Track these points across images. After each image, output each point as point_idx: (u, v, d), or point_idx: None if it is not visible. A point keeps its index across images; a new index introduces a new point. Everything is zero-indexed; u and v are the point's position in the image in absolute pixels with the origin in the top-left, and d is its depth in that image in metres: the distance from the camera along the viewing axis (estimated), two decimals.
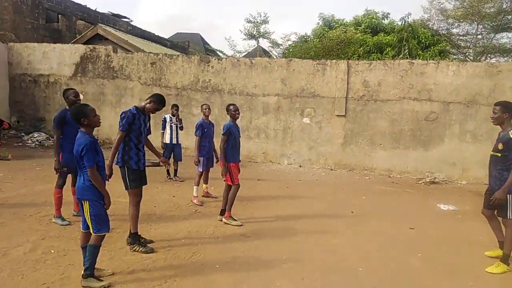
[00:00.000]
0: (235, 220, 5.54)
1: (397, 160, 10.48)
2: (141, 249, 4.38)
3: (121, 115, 4.43)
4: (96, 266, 3.65)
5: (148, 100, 4.60)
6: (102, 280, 3.56)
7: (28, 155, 10.25)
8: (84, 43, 14.80)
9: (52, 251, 4.28)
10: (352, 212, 6.57)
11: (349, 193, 8.09)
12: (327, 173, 10.37)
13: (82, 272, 3.54)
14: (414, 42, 15.43)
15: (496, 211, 4.57)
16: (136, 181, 4.47)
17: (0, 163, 8.85)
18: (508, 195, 4.33)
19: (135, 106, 4.60)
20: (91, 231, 3.54)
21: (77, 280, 3.61)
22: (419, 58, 13.39)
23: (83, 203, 3.52)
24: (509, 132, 4.35)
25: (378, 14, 19.11)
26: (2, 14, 17.19)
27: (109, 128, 11.99)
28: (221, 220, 5.62)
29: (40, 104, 13.35)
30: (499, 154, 4.44)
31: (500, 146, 4.42)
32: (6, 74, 13.41)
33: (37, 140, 12.17)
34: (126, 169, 4.42)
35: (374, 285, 3.91)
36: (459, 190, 8.94)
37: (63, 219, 5.16)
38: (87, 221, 3.54)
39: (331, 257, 4.56)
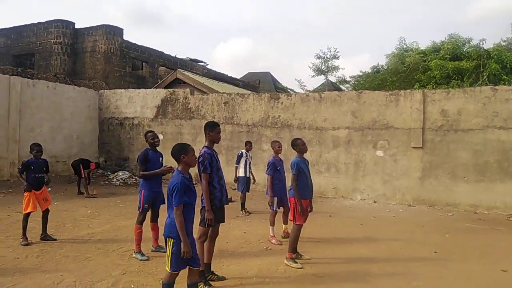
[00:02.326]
0: (296, 262, 5.34)
1: (483, 194, 9.58)
2: (206, 287, 4.38)
3: (199, 159, 4.47)
4: None
5: (206, 134, 4.65)
6: None
7: (112, 192, 11.13)
8: (165, 87, 16.09)
9: (132, 286, 4.50)
10: (435, 252, 6.07)
11: (430, 231, 7.52)
12: (404, 209, 9.79)
13: None
14: (496, 67, 14.35)
15: None
16: (216, 218, 4.53)
17: (88, 201, 9.72)
18: None
19: (205, 146, 4.67)
20: (167, 268, 3.59)
21: None
22: (503, 83, 12.40)
23: (168, 240, 3.59)
24: None
25: (460, 39, 17.53)
26: (95, 65, 19.45)
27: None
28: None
29: (125, 144, 14.62)
30: None
31: None
32: (96, 118, 14.99)
33: (121, 178, 13.21)
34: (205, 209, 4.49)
35: None
36: None
37: (142, 254, 5.46)
38: (167, 258, 3.59)
39: None
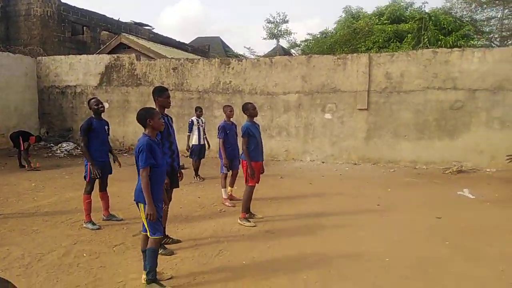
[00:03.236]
0: (249, 221, 5.52)
1: (423, 151, 10.28)
2: (161, 251, 4.39)
3: None
4: (161, 270, 3.79)
5: (155, 99, 4.53)
6: (164, 286, 3.56)
7: (57, 164, 10.65)
8: (109, 53, 15.26)
9: (84, 254, 4.43)
10: (378, 205, 6.51)
11: (374, 186, 8.01)
12: (350, 168, 10.29)
13: (144, 276, 3.60)
14: (433, 29, 15.05)
15: None
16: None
17: (32, 174, 9.25)
18: None
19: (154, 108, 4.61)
20: (148, 234, 3.56)
21: (109, 282, 3.73)
22: (441, 44, 13.05)
23: (139, 205, 3.55)
24: None
25: (401, 4, 18.78)
26: (31, 30, 17.97)
27: (133, 134, 12.34)
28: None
29: (67, 114, 13.87)
30: None
31: None
32: (35, 87, 14.01)
33: (65, 150, 12.63)
34: None
35: (401, 274, 3.89)
36: (488, 178, 8.70)
37: (93, 224, 5.35)
38: (144, 224, 3.56)
39: (357, 249, 4.55)
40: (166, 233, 4.70)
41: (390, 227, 5.40)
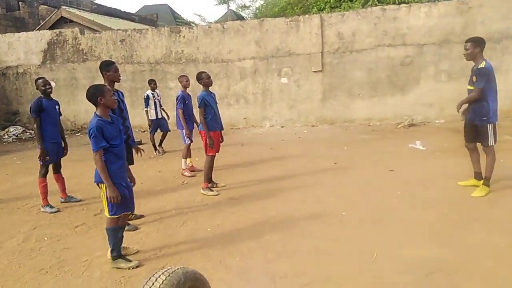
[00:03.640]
0: (212, 190, 5.59)
1: (376, 108, 10.64)
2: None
3: None
4: (127, 245, 3.81)
5: (103, 74, 4.37)
6: (130, 261, 3.60)
7: (6, 150, 10.14)
8: (49, 29, 14.32)
9: (46, 238, 4.36)
10: (335, 164, 6.75)
11: (331, 146, 8.27)
12: (309, 130, 10.52)
13: (109, 253, 3.62)
14: None
15: (479, 141, 4.81)
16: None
17: None
18: (488, 125, 4.60)
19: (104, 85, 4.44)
20: (106, 214, 3.52)
21: (74, 262, 3.73)
22: (389, 0, 13.23)
23: (100, 186, 3.47)
24: (480, 64, 4.58)
25: None
26: None
27: (85, 113, 11.88)
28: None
29: (12, 97, 13.06)
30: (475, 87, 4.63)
31: (475, 79, 4.60)
32: None
33: (13, 134, 11.99)
34: None
35: (355, 225, 4.13)
36: (437, 130, 9.20)
37: (51, 207, 5.23)
38: (103, 203, 3.51)
39: (316, 207, 4.75)
40: None
41: (346, 183, 5.65)
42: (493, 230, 3.77)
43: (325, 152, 7.77)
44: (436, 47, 10.07)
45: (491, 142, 4.68)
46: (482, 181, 4.81)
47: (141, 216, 4.80)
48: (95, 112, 3.46)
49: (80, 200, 5.59)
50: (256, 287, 3.12)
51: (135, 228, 4.46)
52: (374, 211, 4.50)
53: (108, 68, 4.35)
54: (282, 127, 11.19)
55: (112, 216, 3.50)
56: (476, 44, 4.64)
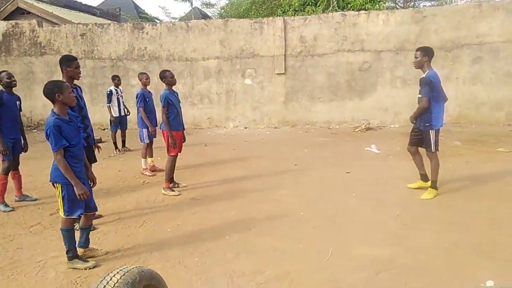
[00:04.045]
0: (173, 190, 5.58)
1: (336, 111, 10.99)
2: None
3: None
4: (90, 246, 3.74)
5: (63, 70, 4.23)
6: (87, 261, 3.54)
7: None
8: (5, 19, 13.63)
9: None
10: (295, 165, 6.94)
11: (292, 148, 8.47)
12: (271, 132, 10.70)
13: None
14: None
15: (423, 146, 5.09)
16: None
17: None
18: (430, 131, 4.88)
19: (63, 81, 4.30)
20: (61, 214, 3.45)
21: (28, 262, 3.64)
22: (350, 7, 13.67)
23: (56, 186, 3.39)
24: (426, 73, 4.82)
25: None
26: None
27: (42, 108, 11.44)
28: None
29: None
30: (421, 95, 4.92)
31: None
32: None
33: None
34: None
35: (314, 225, 4.30)
36: (392, 134, 9.65)
37: (6, 205, 5.05)
38: (59, 203, 3.43)
39: (276, 207, 4.89)
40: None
41: (305, 184, 5.84)
42: (440, 231, 4.04)
43: (287, 153, 7.95)
44: (392, 53, 10.55)
45: (433, 148, 4.96)
46: (429, 183, 5.12)
47: (100, 216, 4.73)
48: (52, 110, 3.38)
49: (35, 199, 5.41)
50: (214, 286, 3.19)
51: (93, 228, 4.39)
52: (331, 211, 4.69)
53: (69, 63, 4.21)
54: (246, 128, 11.29)
55: (67, 217, 3.44)
56: (424, 53, 4.87)
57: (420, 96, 4.96)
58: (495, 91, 10.23)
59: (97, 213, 4.72)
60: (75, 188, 3.30)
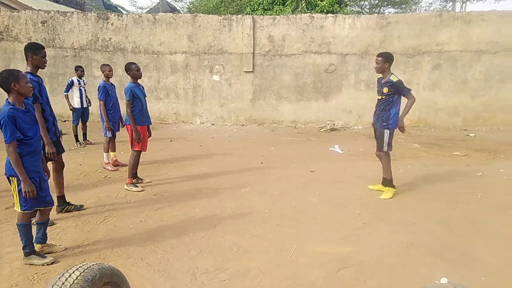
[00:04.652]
0: (136, 186, 5.49)
1: (302, 111, 11.17)
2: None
3: None
4: (48, 242, 3.62)
5: (28, 57, 4.08)
6: (45, 257, 3.43)
7: None
8: None
9: None
10: (261, 163, 6.99)
11: (258, 146, 8.53)
12: (238, 129, 10.71)
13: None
14: None
15: (377, 145, 5.27)
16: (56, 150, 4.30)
17: None
18: (385, 130, 5.06)
19: (28, 72, 4.05)
20: (17, 209, 3.32)
21: None
22: (318, 9, 13.90)
23: (11, 179, 3.26)
24: (391, 77, 5.02)
25: None
26: None
27: None
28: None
29: None
30: (384, 97, 5.10)
31: (386, 90, 5.05)
32: None
33: None
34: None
35: (277, 223, 4.36)
36: (355, 135, 9.93)
37: None
38: (14, 197, 3.30)
39: (240, 205, 4.91)
40: (68, 200, 4.70)
41: (270, 182, 5.90)
42: (398, 230, 4.21)
43: (253, 151, 7.99)
44: (357, 57, 10.85)
45: (385, 147, 5.16)
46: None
47: (81, 207, 4.74)
48: (7, 99, 3.24)
49: None
50: (176, 283, 3.17)
51: (52, 223, 4.25)
52: (295, 209, 4.77)
53: (36, 51, 4.07)
54: (213, 124, 11.25)
55: (23, 212, 3.32)
56: (386, 60, 5.05)
57: (381, 97, 5.14)
58: (453, 98, 10.77)
59: (78, 204, 4.73)
60: (22, 184, 3.19)
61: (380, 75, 5.21)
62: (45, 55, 4.17)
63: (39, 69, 4.23)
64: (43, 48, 4.19)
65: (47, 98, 4.24)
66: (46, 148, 4.08)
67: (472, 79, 10.65)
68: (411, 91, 5.12)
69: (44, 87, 4.29)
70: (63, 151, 4.56)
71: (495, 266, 3.46)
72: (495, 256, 3.62)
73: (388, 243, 3.89)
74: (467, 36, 10.49)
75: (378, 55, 5.13)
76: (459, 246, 3.84)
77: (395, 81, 5.01)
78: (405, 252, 3.73)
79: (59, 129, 4.55)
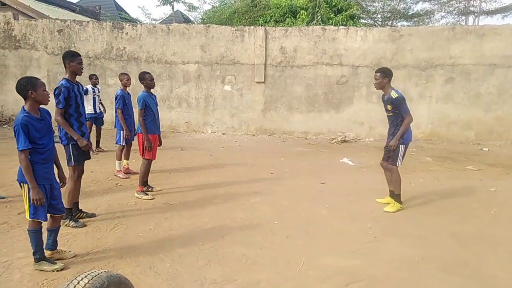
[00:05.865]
0: (147, 194, 5.52)
1: (312, 122, 11.16)
2: (72, 223, 4.40)
3: (54, 92, 4.21)
4: (58, 248, 3.64)
5: (66, 64, 4.26)
6: (55, 263, 3.45)
7: None
8: None
9: None
10: (271, 174, 6.98)
11: (269, 156, 8.52)
12: (249, 139, 10.74)
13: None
14: (325, 7, 15.96)
15: (390, 160, 5.21)
16: (80, 156, 4.42)
17: None
18: (400, 146, 5.00)
19: (65, 78, 4.29)
20: (26, 216, 3.34)
21: None
22: (331, 22, 13.99)
23: (22, 186, 3.30)
24: (391, 93, 4.95)
25: None
26: None
27: (14, 103, 11.12)
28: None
29: None
30: (391, 114, 5.05)
31: (390, 107, 5.02)
32: None
33: None
34: (71, 146, 4.33)
35: (286, 234, 4.33)
36: (366, 147, 9.86)
37: None
38: (25, 204, 3.33)
39: (250, 216, 4.90)
40: (80, 207, 4.72)
41: (280, 193, 5.88)
42: (408, 244, 4.15)
43: (263, 161, 7.99)
44: (369, 69, 10.82)
45: (399, 162, 5.08)
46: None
47: (93, 215, 4.74)
48: (23, 106, 3.30)
49: (4, 197, 5.23)
50: None
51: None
52: (304, 221, 4.74)
53: (73, 59, 4.26)
54: (224, 134, 11.29)
55: (32, 220, 3.35)
56: (384, 75, 4.97)
57: (389, 114, 5.10)
58: (466, 111, 10.65)
59: (90, 212, 4.73)
60: (31, 192, 3.22)
61: (381, 92, 5.15)
62: (81, 62, 4.36)
63: (77, 75, 4.38)
64: (79, 55, 4.38)
65: (79, 105, 4.34)
66: (78, 142, 4.25)
67: (485, 92, 10.53)
68: (409, 114, 4.95)
69: (81, 93, 4.43)
70: (89, 157, 4.64)
71: (508, 282, 3.38)
72: (507, 272, 3.54)
73: (399, 258, 3.83)
74: (480, 50, 10.40)
75: (377, 71, 5.06)
76: (471, 261, 3.77)
77: (394, 97, 4.92)
78: (416, 266, 3.67)
79: (87, 134, 4.61)
